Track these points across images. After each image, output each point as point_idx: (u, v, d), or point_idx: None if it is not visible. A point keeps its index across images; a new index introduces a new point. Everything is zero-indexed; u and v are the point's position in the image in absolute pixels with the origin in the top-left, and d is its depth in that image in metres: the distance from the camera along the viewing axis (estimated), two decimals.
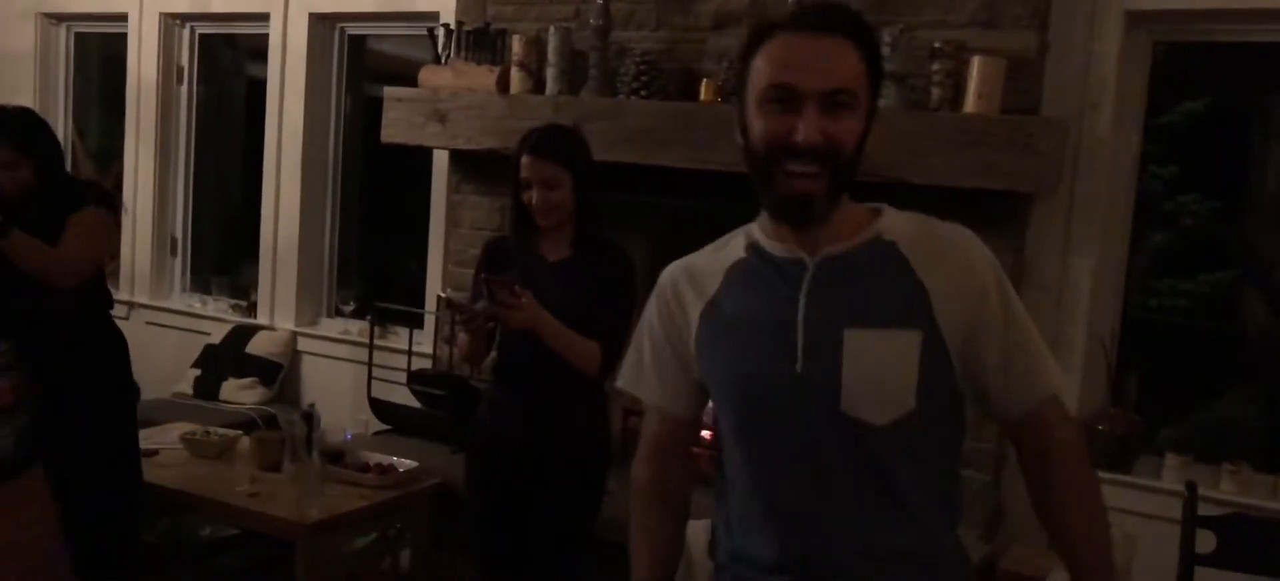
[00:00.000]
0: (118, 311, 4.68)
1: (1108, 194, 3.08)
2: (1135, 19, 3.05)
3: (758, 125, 1.40)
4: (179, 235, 4.82)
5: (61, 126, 5.11)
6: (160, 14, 4.68)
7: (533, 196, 2.50)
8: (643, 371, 1.63)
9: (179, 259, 4.86)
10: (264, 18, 4.40)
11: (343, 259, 4.54)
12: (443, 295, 3.23)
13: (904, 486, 1.44)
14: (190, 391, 4.30)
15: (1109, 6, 3.04)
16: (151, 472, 3.18)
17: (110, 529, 3.16)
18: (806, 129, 1.36)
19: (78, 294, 3.09)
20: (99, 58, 5.16)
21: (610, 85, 3.48)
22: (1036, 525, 1.53)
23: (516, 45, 3.60)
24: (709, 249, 1.58)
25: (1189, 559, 2.07)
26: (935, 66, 3.03)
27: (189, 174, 4.83)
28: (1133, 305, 3.32)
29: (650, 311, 1.62)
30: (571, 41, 3.55)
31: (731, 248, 1.54)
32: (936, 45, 3.03)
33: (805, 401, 1.42)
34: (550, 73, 3.54)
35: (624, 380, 1.67)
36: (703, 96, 3.32)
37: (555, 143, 2.53)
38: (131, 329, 4.70)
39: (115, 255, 4.60)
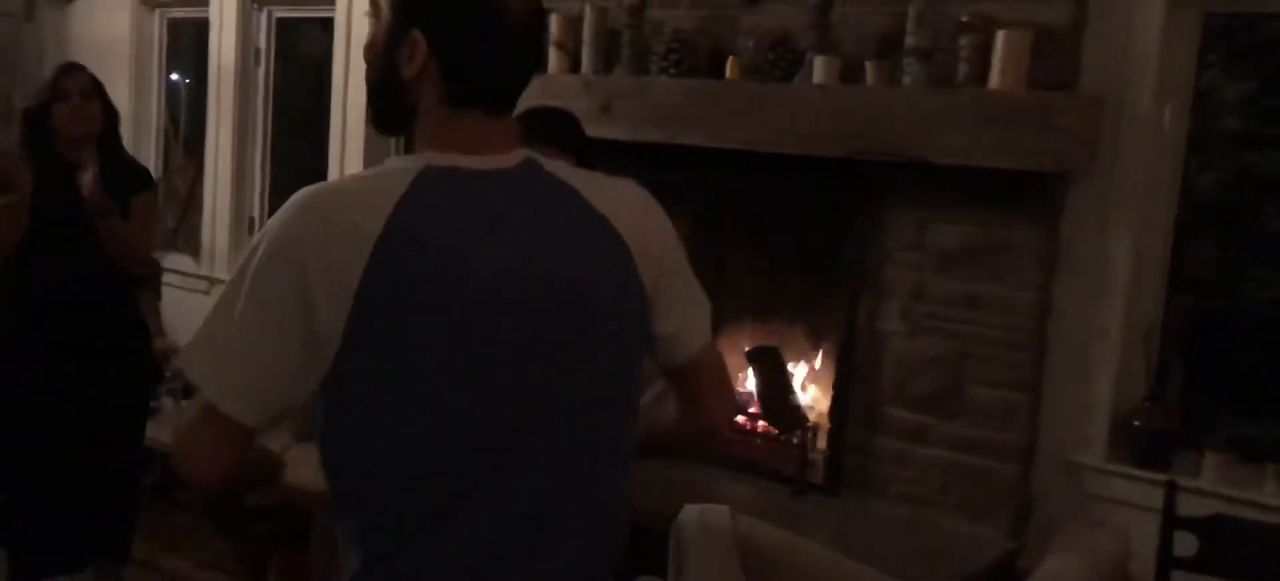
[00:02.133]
0: (199, 286, 4.93)
1: (1146, 176, 2.90)
2: None
3: None
4: (256, 214, 5.00)
5: (154, 112, 5.36)
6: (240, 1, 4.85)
7: None
8: None
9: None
10: (331, 2, 4.52)
11: None
12: None
13: None
14: None
15: None
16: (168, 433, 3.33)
17: (124, 507, 3.31)
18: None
19: (128, 274, 3.24)
20: (190, 43, 5.37)
21: (642, 63, 3.45)
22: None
23: (555, 25, 3.60)
24: None
25: (1166, 561, 1.95)
26: (963, 41, 2.91)
27: (266, 154, 5.00)
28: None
29: None
30: (607, 21, 3.54)
31: None
32: (964, 19, 2.91)
33: None
34: (585, 52, 3.54)
35: None
36: (728, 74, 3.27)
37: (542, 123, 2.53)
38: (209, 303, 4.93)
39: None
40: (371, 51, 1.36)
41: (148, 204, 3.30)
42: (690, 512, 2.68)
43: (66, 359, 3.09)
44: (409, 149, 1.37)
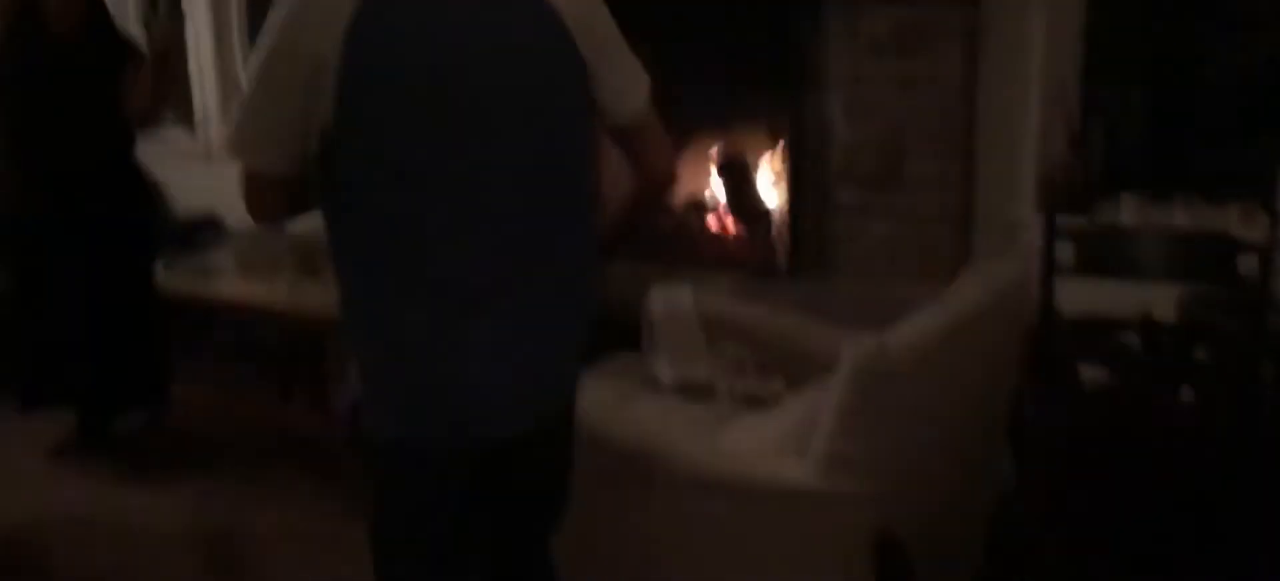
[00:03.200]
0: (195, 152, 5.19)
1: None
2: None
3: None
4: (240, 70, 5.21)
5: None
6: None
7: None
8: None
9: None
10: None
11: None
12: None
13: None
14: None
15: None
16: (198, 286, 3.68)
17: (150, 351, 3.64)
18: None
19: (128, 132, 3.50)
20: None
21: None
22: None
23: None
24: None
25: (1048, 269, 2.26)
26: None
27: (245, 22, 5.18)
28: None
29: None
30: None
31: None
32: None
33: None
34: None
35: None
36: None
37: None
38: (211, 171, 5.19)
39: None
40: None
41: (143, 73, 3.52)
42: (658, 293, 3.00)
43: (73, 209, 3.36)
44: None
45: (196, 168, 5.13)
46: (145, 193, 3.63)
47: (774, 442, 2.23)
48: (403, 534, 1.74)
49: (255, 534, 3.07)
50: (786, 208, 3.64)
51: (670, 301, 2.96)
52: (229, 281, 3.77)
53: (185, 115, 5.36)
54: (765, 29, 3.55)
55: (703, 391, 2.70)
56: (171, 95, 3.48)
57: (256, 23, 5.12)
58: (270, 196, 1.63)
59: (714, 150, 4.00)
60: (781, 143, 3.72)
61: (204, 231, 4.73)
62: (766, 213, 3.78)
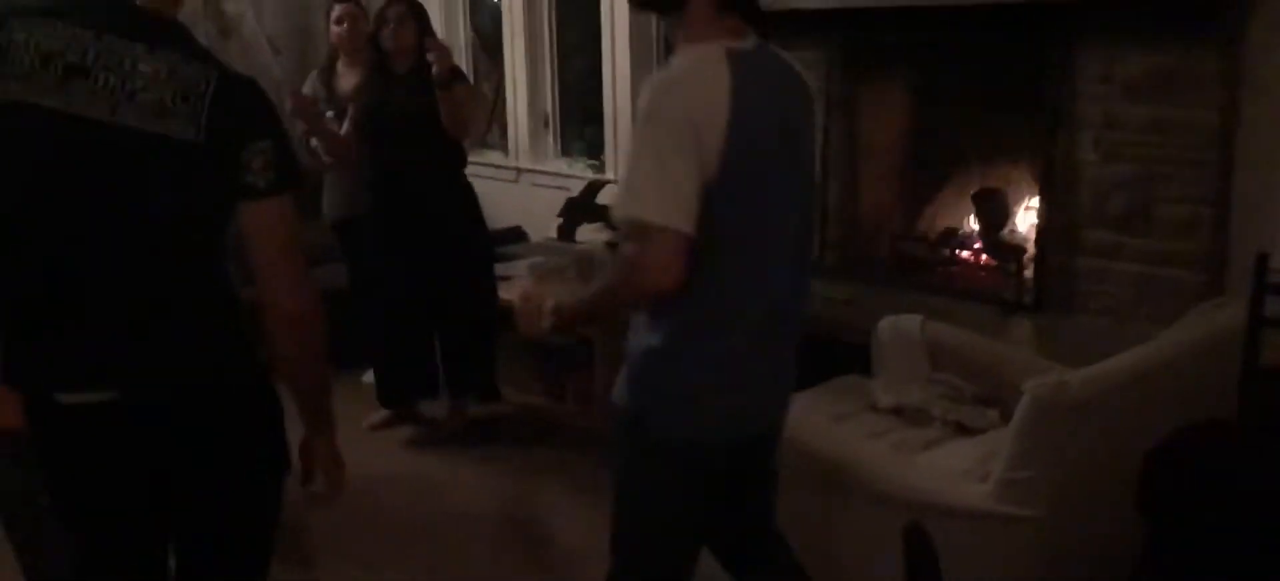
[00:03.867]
0: (507, 176, 5.83)
1: None
2: None
3: None
4: (549, 111, 5.82)
5: (461, 28, 6.28)
6: None
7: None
8: None
9: (550, 130, 5.87)
10: None
11: None
12: None
13: None
14: (555, 236, 5.30)
15: None
16: (507, 291, 4.21)
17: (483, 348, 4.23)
18: None
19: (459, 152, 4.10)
20: None
21: None
22: None
23: None
24: None
25: (1256, 321, 2.27)
26: None
27: (553, 59, 5.79)
28: None
29: None
30: None
31: None
32: None
33: None
34: None
35: None
36: None
37: None
38: (518, 189, 5.83)
39: None
40: None
41: (467, 90, 4.12)
42: (887, 321, 3.20)
43: (416, 224, 4.00)
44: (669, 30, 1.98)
45: (508, 185, 5.79)
46: (475, 204, 4.22)
47: (965, 467, 2.40)
48: (668, 515, 2.06)
49: (538, 500, 3.70)
50: (1035, 244, 3.71)
51: (898, 328, 3.15)
52: (519, 287, 4.30)
53: (500, 138, 6.06)
54: (1024, 68, 3.65)
55: (917, 416, 2.88)
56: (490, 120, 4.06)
57: (564, 62, 5.74)
58: (678, 256, 1.78)
59: (973, 183, 4.12)
60: (1033, 181, 3.78)
61: (510, 241, 5.35)
62: (1020, 248, 3.85)
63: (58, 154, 1.64)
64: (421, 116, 3.87)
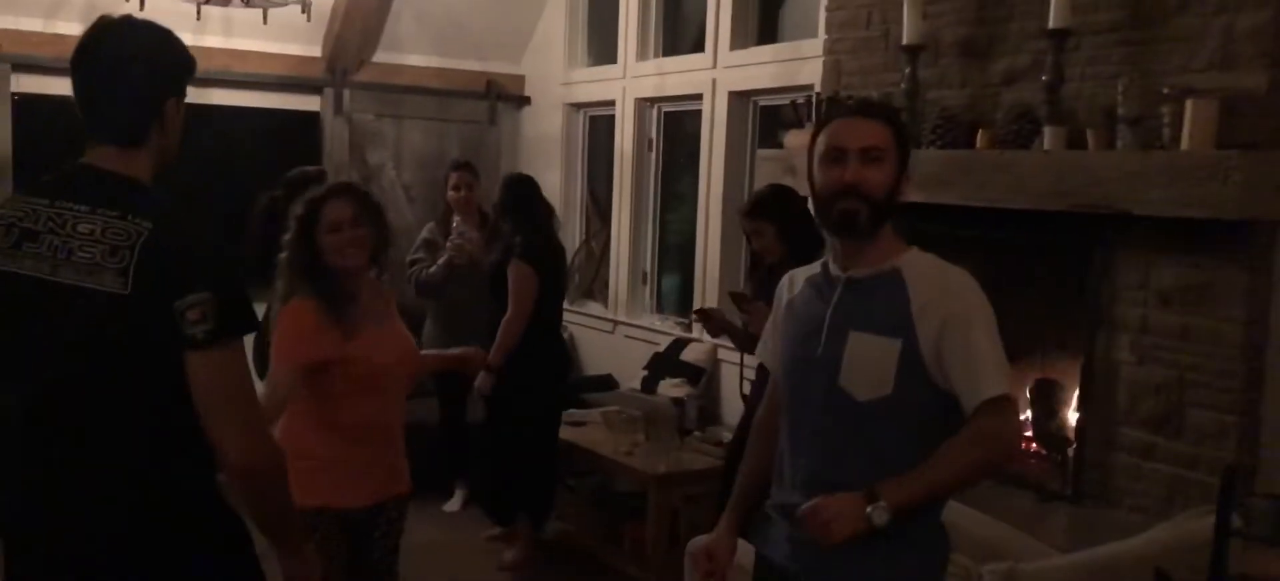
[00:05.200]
0: (604, 327, 6.21)
1: None
2: None
3: (819, 176, 2.13)
4: (648, 268, 6.21)
5: (578, 191, 6.77)
6: (635, 100, 6.12)
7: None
8: (765, 344, 2.39)
9: (648, 287, 6.25)
10: (700, 97, 5.63)
11: None
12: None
13: (884, 450, 2.03)
14: (638, 387, 5.63)
15: None
16: (572, 434, 4.55)
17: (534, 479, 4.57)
18: (847, 173, 2.07)
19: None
20: (603, 135, 6.74)
21: (916, 138, 4.17)
22: None
23: None
24: (810, 266, 2.27)
25: (1222, 534, 2.40)
26: (1164, 109, 3.37)
27: (656, 220, 6.21)
28: None
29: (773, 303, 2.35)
30: (891, 102, 4.29)
31: (816, 265, 2.25)
32: (1164, 90, 3.37)
33: (818, 376, 2.11)
34: None
35: (757, 352, 2.51)
36: (979, 144, 3.91)
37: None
38: (613, 340, 6.20)
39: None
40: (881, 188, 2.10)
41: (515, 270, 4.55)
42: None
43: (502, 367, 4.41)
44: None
45: (604, 335, 6.17)
46: (561, 359, 4.64)
47: None
48: None
49: None
50: (1073, 437, 3.84)
51: None
52: (591, 433, 4.63)
53: (603, 295, 6.46)
54: (1071, 269, 3.85)
55: None
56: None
57: (666, 216, 6.14)
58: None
59: (1035, 373, 4.28)
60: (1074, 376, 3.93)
61: (598, 389, 5.70)
62: (1067, 439, 3.98)
63: (6, 308, 1.79)
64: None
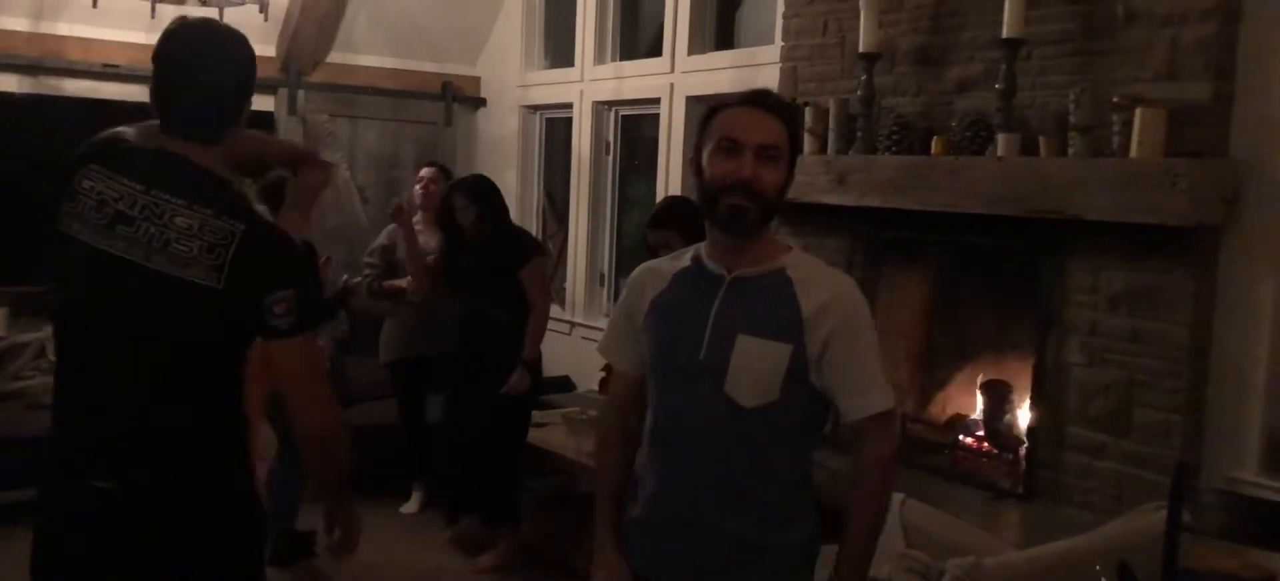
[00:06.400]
0: (562, 329, 6.23)
1: None
2: None
3: (711, 165, 2.02)
4: (606, 270, 6.24)
5: (535, 192, 6.79)
6: (593, 103, 6.15)
7: None
8: (614, 341, 2.24)
9: (605, 289, 6.28)
10: (657, 101, 5.68)
11: None
12: None
13: (766, 453, 2.02)
14: (596, 388, 5.65)
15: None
16: (532, 435, 4.58)
17: (508, 480, 4.59)
18: (743, 169, 1.97)
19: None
20: (562, 139, 6.77)
21: (871, 143, 4.25)
22: None
23: (809, 115, 4.48)
24: (669, 257, 2.18)
25: (1173, 531, 2.49)
26: (1114, 118, 3.47)
27: (613, 223, 6.24)
28: None
29: (623, 296, 2.21)
30: (848, 110, 4.37)
31: (684, 259, 2.12)
32: (1114, 100, 3.47)
33: (701, 380, 2.01)
34: (830, 136, 4.40)
35: (600, 348, 2.30)
36: (934, 150, 4.00)
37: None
38: (571, 341, 6.22)
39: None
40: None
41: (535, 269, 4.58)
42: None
43: (474, 367, 4.49)
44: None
45: (562, 337, 6.19)
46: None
47: None
48: None
49: None
50: (1025, 437, 3.94)
51: None
52: (551, 434, 4.65)
53: (560, 296, 6.48)
54: (1024, 273, 3.94)
55: None
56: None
57: (623, 217, 6.19)
58: (625, 390, 2.24)
59: (984, 373, 4.38)
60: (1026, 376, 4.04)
61: (557, 390, 5.72)
62: (1017, 438, 4.08)
63: (99, 283, 1.94)
64: (481, 278, 4.49)
